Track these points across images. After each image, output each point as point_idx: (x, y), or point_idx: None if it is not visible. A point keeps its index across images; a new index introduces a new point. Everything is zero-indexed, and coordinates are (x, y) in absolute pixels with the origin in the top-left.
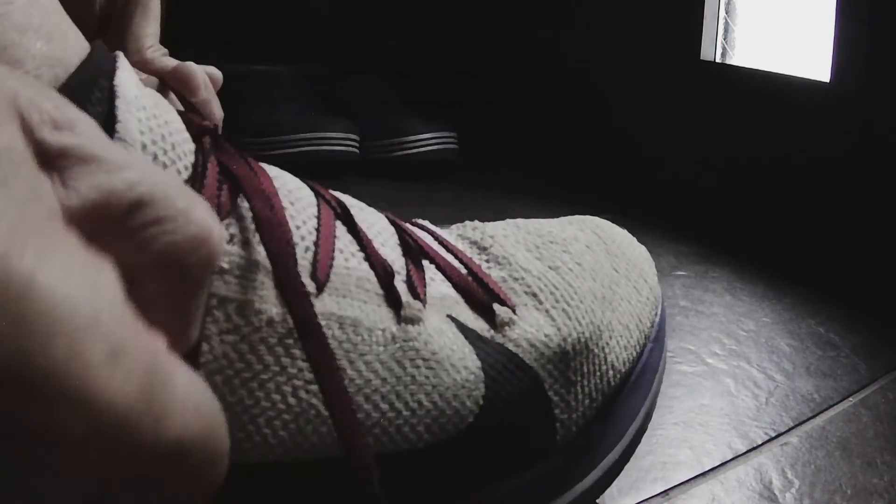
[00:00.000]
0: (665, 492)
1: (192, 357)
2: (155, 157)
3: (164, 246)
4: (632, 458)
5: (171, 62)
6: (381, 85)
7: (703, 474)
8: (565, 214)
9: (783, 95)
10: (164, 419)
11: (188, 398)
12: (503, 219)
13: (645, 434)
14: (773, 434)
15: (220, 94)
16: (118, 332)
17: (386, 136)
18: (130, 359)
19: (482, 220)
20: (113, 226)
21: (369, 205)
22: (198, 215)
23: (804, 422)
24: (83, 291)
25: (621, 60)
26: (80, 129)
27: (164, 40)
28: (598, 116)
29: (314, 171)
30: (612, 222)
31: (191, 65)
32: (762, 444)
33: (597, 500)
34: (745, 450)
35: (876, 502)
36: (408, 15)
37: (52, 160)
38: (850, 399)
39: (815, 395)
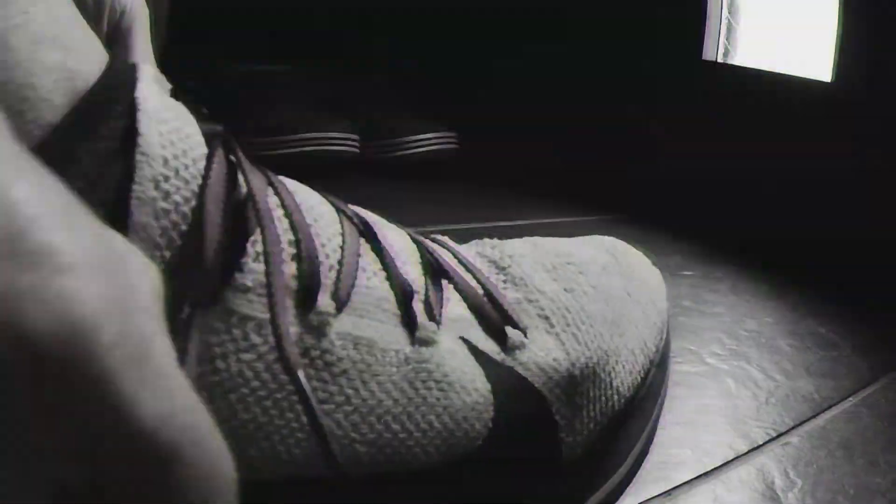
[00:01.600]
0: (667, 492)
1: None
2: (177, 172)
3: None
4: None
5: None
6: (381, 85)
7: (706, 474)
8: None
9: (784, 95)
10: (153, 399)
11: (181, 395)
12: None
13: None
14: (775, 434)
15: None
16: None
17: (386, 136)
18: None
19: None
20: None
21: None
22: None
23: (805, 421)
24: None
25: (623, 60)
26: None
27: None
28: (599, 116)
29: (314, 171)
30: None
31: None
32: (764, 444)
33: None
34: (746, 450)
35: (878, 502)
36: (408, 15)
37: None
38: (851, 399)
39: (815, 394)
